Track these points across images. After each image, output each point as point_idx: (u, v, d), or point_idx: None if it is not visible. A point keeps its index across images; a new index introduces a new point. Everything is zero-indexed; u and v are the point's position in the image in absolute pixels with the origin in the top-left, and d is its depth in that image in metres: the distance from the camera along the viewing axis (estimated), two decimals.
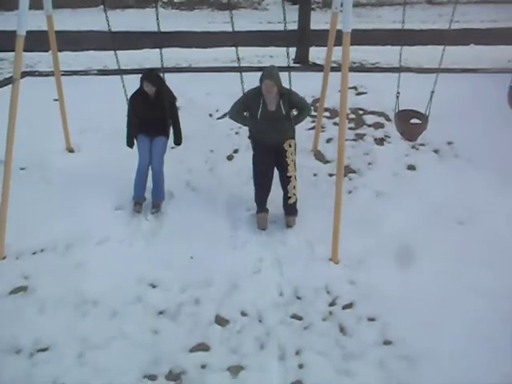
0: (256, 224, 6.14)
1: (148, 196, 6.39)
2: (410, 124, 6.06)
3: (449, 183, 6.69)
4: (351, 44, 5.27)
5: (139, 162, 6.21)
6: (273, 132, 5.84)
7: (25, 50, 5.58)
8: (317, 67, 10.66)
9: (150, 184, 6.34)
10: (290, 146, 5.98)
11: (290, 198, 6.05)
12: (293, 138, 6.06)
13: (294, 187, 6.03)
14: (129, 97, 6.22)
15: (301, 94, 8.39)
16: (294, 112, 6.02)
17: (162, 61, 6.00)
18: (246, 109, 6.00)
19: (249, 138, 6.16)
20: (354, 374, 4.38)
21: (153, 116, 6.18)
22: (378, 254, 5.59)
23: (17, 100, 5.53)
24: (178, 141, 6.40)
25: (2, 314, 4.96)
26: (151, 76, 6.12)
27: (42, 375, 4.36)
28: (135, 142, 6.32)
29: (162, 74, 6.17)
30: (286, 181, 6.02)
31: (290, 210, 6.12)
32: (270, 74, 5.69)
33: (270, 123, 5.82)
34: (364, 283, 5.29)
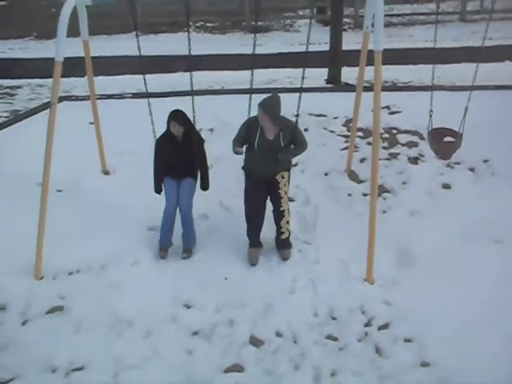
0: (248, 258, 5.97)
1: (176, 241, 6.18)
2: (444, 142, 6.00)
3: (485, 202, 6.59)
4: (383, 63, 5.26)
5: (166, 205, 6.00)
6: (267, 163, 5.72)
7: (62, 76, 5.71)
8: (349, 87, 10.66)
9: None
10: (282, 177, 5.85)
11: (283, 233, 5.89)
12: (286, 170, 5.93)
13: (288, 222, 5.88)
14: (156, 139, 6.15)
15: (334, 114, 8.47)
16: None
17: (191, 84, 5.98)
18: (246, 136, 5.85)
19: (242, 168, 6.06)
20: None
21: (181, 158, 6.03)
22: (413, 274, 5.53)
23: (54, 124, 5.66)
24: (205, 186, 6.18)
25: (38, 333, 5.00)
26: (178, 116, 5.96)
27: None
28: (162, 186, 6.17)
29: (192, 98, 6.07)
30: (279, 215, 5.87)
31: (283, 243, 5.96)
32: (263, 102, 5.63)
33: (266, 153, 5.71)
34: (399, 303, 5.22)
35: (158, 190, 6.19)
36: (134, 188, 6.85)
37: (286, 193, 5.85)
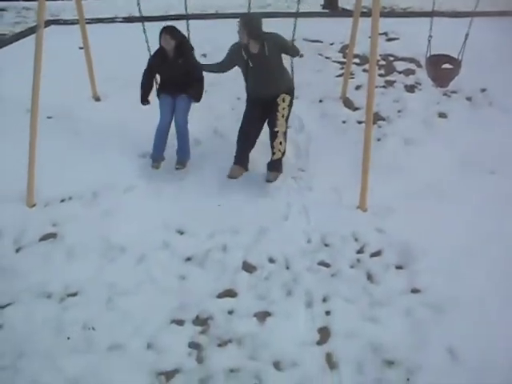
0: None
1: (169, 154, 6.19)
2: (442, 69, 5.88)
3: (481, 132, 6.53)
4: None
5: (160, 121, 6.01)
6: (266, 82, 5.68)
7: None
8: (346, 12, 10.39)
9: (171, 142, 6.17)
10: (283, 100, 5.74)
11: (274, 153, 5.78)
12: (288, 93, 5.80)
13: (281, 143, 5.73)
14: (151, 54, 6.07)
15: (330, 40, 8.27)
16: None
17: (186, 6, 5.85)
18: (231, 61, 5.86)
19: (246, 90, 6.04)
20: (381, 321, 4.37)
21: (174, 74, 5.99)
22: (407, 202, 5.50)
23: (41, 47, 5.48)
24: (194, 94, 6.10)
25: (32, 260, 5.02)
26: (169, 29, 5.87)
27: (72, 319, 4.43)
28: (156, 100, 6.15)
29: (187, 22, 5.95)
30: (272, 136, 5.78)
31: (271, 164, 5.89)
32: (241, 17, 5.64)
33: (261, 71, 5.65)
34: (392, 231, 5.23)
35: (142, 101, 6.14)
36: (125, 114, 6.74)
37: (283, 116, 5.73)
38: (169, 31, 5.86)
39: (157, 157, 6.04)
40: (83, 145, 6.36)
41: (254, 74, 5.74)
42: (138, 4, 5.87)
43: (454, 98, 7.29)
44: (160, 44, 5.94)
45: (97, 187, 5.84)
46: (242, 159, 5.97)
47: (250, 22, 5.55)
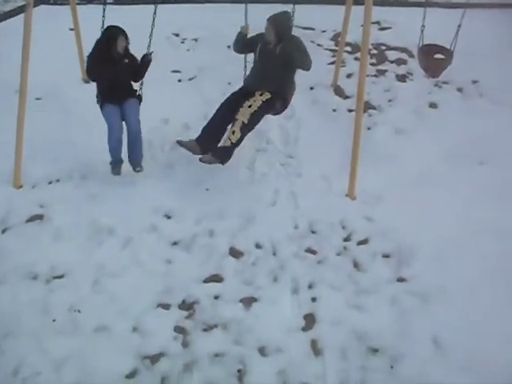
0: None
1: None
2: (434, 59, 5.88)
3: (471, 123, 6.51)
4: None
5: (110, 132, 5.49)
6: (260, 77, 5.51)
7: None
8: (339, 0, 10.31)
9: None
10: (261, 95, 5.41)
11: (224, 140, 5.45)
12: (273, 94, 5.44)
13: (233, 132, 5.32)
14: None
15: (321, 27, 8.22)
16: None
17: None
18: (252, 42, 5.64)
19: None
20: (366, 309, 4.42)
21: (121, 77, 5.62)
22: (395, 192, 5.51)
23: (30, 26, 5.38)
24: (138, 76, 5.76)
25: (19, 241, 5.01)
26: (122, 30, 5.47)
27: (58, 301, 4.45)
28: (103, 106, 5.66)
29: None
30: (232, 121, 5.39)
31: (216, 150, 5.44)
32: (272, 16, 5.41)
33: (264, 63, 5.49)
34: (380, 220, 5.25)
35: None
36: None
37: (250, 107, 5.34)
38: (124, 33, 5.50)
39: (116, 161, 5.65)
40: (72, 126, 6.29)
41: (255, 65, 5.64)
42: None
43: (445, 89, 7.29)
44: (107, 44, 5.49)
45: (85, 169, 5.80)
46: (202, 139, 5.54)
47: (279, 23, 5.37)
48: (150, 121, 5.91)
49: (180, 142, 5.63)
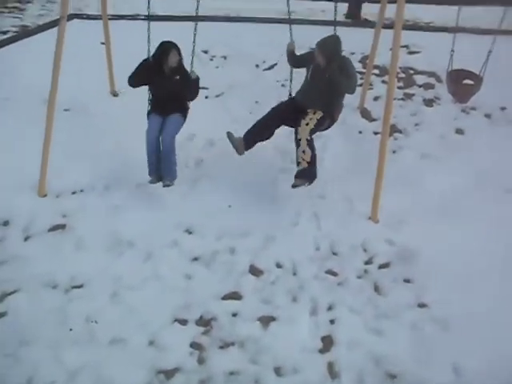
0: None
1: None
2: (463, 84, 5.85)
3: (498, 150, 6.45)
4: (406, 1, 5.03)
5: (148, 137, 5.66)
6: (309, 95, 5.64)
7: None
8: (368, 23, 10.36)
9: None
10: (314, 113, 5.60)
11: (299, 163, 5.56)
12: (324, 112, 5.63)
13: (304, 152, 5.49)
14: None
15: (350, 49, 8.24)
16: None
17: (197, 9, 5.72)
18: (303, 60, 5.83)
19: (289, 94, 6.01)
20: (385, 334, 4.33)
21: (169, 92, 5.75)
22: (419, 216, 5.45)
23: (63, 39, 5.49)
24: (190, 95, 5.85)
25: (40, 250, 5.04)
26: (176, 46, 5.63)
27: (76, 311, 4.43)
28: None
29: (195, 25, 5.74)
30: (296, 144, 5.58)
31: (298, 174, 5.57)
32: (320, 42, 5.48)
33: (316, 82, 5.60)
34: (402, 244, 5.18)
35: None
36: (141, 111, 6.71)
37: (307, 125, 5.55)
38: (176, 47, 5.65)
39: (153, 173, 5.73)
40: (98, 138, 6.37)
41: (307, 83, 5.72)
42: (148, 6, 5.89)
43: (473, 115, 7.24)
44: (159, 58, 5.68)
45: (109, 181, 5.86)
46: (249, 138, 5.80)
47: (327, 48, 5.45)
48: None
49: (229, 135, 5.81)
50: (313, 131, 5.58)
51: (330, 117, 5.73)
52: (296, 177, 5.61)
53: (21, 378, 3.92)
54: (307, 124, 5.56)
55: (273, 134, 5.85)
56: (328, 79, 5.45)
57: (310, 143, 5.56)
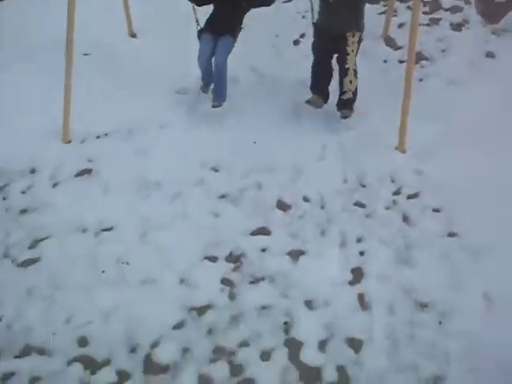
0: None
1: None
2: (494, 3, 5.57)
3: None
4: None
5: (199, 56, 5.84)
6: (337, 19, 5.49)
7: None
8: None
9: None
10: (353, 36, 5.58)
11: (344, 92, 5.63)
12: (358, 30, 5.64)
13: (351, 82, 5.60)
14: None
15: None
16: None
17: None
18: None
19: (313, 24, 5.85)
20: (416, 264, 4.33)
21: (224, 7, 5.83)
22: (448, 145, 5.30)
23: None
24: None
25: (68, 196, 5.09)
26: None
27: (106, 254, 4.52)
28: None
29: None
30: (343, 73, 5.62)
31: (344, 103, 5.70)
32: None
33: (340, 7, 5.46)
34: (431, 174, 5.09)
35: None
36: (161, 51, 6.65)
37: (353, 51, 5.60)
38: None
39: (206, 81, 6.00)
40: (119, 81, 6.28)
41: (331, 7, 5.56)
42: None
43: (505, 37, 6.87)
44: None
45: (133, 123, 5.81)
46: (318, 90, 5.84)
47: None
48: None
49: (308, 102, 5.80)
50: (356, 56, 5.62)
51: (361, 30, 5.71)
52: (342, 107, 5.69)
53: (59, 319, 4.05)
54: (352, 51, 5.59)
55: (332, 69, 5.85)
56: None
57: (356, 72, 5.64)
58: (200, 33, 5.96)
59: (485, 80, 6.17)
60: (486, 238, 4.42)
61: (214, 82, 5.89)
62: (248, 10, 5.92)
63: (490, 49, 6.72)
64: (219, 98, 5.90)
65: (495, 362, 3.63)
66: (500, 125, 5.50)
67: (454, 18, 7.38)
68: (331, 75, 5.85)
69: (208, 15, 5.96)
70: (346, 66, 5.59)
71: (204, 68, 5.87)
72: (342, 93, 5.69)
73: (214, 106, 5.91)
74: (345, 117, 5.70)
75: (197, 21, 5.97)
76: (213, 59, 5.83)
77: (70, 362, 3.79)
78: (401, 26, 7.19)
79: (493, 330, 3.78)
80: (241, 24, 5.98)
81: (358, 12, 5.65)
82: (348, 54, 5.57)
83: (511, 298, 3.95)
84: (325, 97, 5.87)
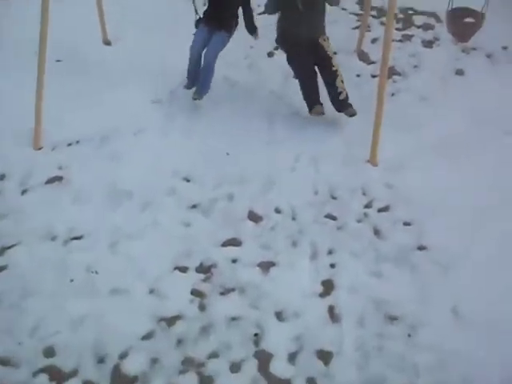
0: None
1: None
2: (463, 22, 5.68)
3: (500, 91, 6.28)
4: None
5: (191, 48, 5.93)
6: (308, 26, 5.63)
7: None
8: None
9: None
10: (324, 40, 5.80)
11: (340, 93, 5.74)
12: (325, 33, 5.87)
13: (342, 82, 5.76)
14: None
15: None
16: None
17: None
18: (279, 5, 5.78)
19: (276, 41, 6.02)
20: (386, 277, 4.37)
21: (221, 6, 5.86)
22: (418, 159, 5.40)
23: None
24: (251, 27, 6.05)
25: (38, 203, 5.00)
26: None
27: (76, 262, 4.45)
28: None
29: None
30: (332, 76, 5.73)
31: (344, 104, 5.78)
32: None
33: (309, 12, 5.58)
34: (402, 187, 5.15)
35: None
36: (136, 59, 6.61)
37: (332, 53, 5.82)
38: None
39: (192, 76, 6.04)
40: (92, 88, 6.21)
41: (300, 16, 5.61)
42: None
43: (474, 55, 7.06)
44: None
45: (105, 131, 5.74)
46: (315, 99, 5.83)
47: None
48: None
49: (313, 113, 5.82)
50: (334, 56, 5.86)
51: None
52: (344, 107, 5.79)
53: (26, 328, 3.98)
54: (332, 53, 5.82)
55: (316, 71, 5.89)
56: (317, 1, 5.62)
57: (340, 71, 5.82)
58: (198, 22, 6.02)
59: (454, 96, 6.31)
60: (456, 251, 4.50)
61: (201, 74, 5.93)
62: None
63: (460, 66, 6.88)
64: (202, 91, 5.97)
65: (462, 377, 3.68)
66: (468, 139, 5.62)
67: (426, 35, 7.53)
68: (316, 76, 5.88)
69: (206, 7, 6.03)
70: (333, 69, 5.74)
71: (194, 59, 5.92)
72: (337, 94, 5.76)
73: (194, 98, 5.96)
74: (352, 114, 5.76)
75: (196, 10, 6.01)
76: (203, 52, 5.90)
77: (35, 373, 3.73)
78: (374, 41, 7.29)
79: (460, 345, 3.84)
80: (237, 18, 6.04)
81: (323, 15, 5.82)
82: (331, 58, 5.76)
83: (479, 312, 4.02)
84: (320, 101, 5.89)
